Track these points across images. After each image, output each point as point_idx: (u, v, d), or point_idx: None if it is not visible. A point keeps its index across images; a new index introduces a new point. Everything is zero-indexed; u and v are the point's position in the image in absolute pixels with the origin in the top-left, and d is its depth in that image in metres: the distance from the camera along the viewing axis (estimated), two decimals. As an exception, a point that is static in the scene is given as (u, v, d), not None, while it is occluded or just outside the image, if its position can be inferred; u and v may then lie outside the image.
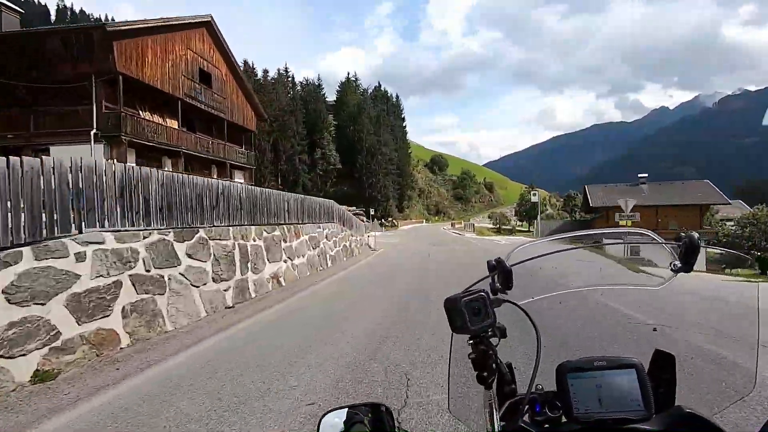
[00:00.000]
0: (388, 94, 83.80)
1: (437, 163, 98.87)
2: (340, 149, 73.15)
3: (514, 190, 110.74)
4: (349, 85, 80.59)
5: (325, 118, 77.34)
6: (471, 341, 0.87)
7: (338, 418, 0.91)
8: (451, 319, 0.83)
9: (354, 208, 51.11)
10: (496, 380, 0.88)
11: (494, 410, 0.86)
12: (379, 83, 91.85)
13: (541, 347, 0.84)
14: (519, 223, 75.69)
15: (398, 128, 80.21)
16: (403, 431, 1.28)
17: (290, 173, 68.81)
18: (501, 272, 0.91)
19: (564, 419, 0.81)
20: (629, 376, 0.78)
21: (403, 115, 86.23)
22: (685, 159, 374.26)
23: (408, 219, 74.90)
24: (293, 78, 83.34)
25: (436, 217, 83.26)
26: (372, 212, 68.66)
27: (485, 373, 0.86)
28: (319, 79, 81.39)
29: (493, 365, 0.87)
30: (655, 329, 3.33)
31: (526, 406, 0.84)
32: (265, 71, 74.74)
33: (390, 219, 68.83)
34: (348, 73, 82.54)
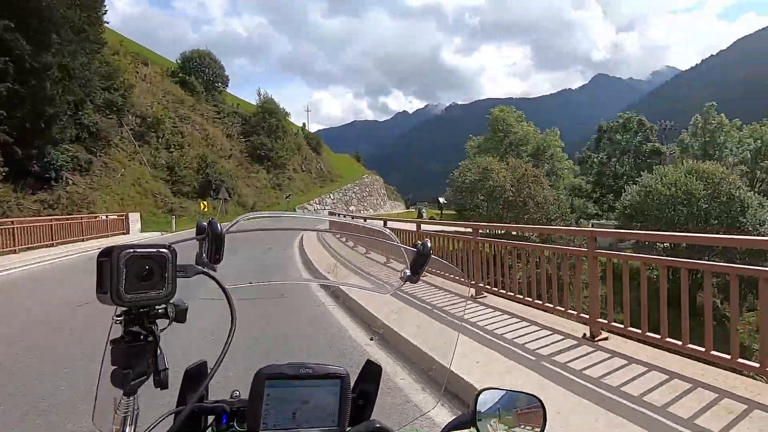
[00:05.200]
0: None
1: (190, 69, 37.91)
2: None
3: (345, 162, 64.31)
4: None
5: None
6: (121, 317, 0.60)
7: None
8: (99, 279, 0.56)
9: None
10: (153, 382, 0.62)
11: (132, 425, 0.60)
12: None
13: (231, 341, 0.60)
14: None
15: None
16: None
17: None
18: (211, 237, 0.66)
19: None
20: (333, 387, 0.70)
21: None
22: (429, 154, 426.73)
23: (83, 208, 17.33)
24: None
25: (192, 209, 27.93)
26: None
27: (127, 371, 0.58)
28: None
29: (148, 359, 0.60)
30: (372, 338, 3.75)
31: (210, 418, 0.69)
32: None
33: None
34: None
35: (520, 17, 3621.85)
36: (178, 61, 39.51)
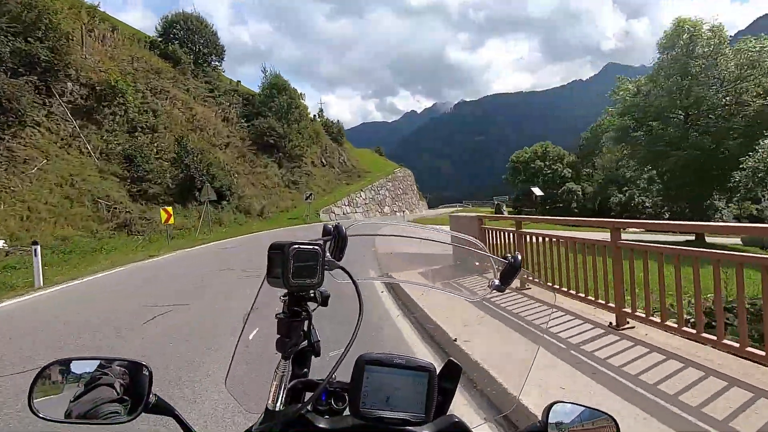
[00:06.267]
0: None
1: (175, 37, 28.40)
2: None
3: (368, 156, 54.27)
4: None
5: None
6: (285, 297, 0.76)
7: (78, 369, 0.74)
8: (270, 267, 0.72)
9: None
10: (296, 353, 0.77)
11: (285, 386, 0.75)
12: None
13: (359, 326, 0.74)
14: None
15: None
16: (161, 400, 0.77)
17: None
18: (337, 238, 0.80)
19: (346, 413, 0.76)
20: (422, 379, 0.75)
21: None
22: (440, 153, 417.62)
23: None
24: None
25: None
26: None
27: (288, 339, 0.75)
28: None
29: (301, 332, 0.77)
30: (455, 340, 3.77)
31: (319, 395, 0.76)
32: None
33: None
34: None
35: (526, 10, 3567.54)
36: (158, 27, 30.35)
